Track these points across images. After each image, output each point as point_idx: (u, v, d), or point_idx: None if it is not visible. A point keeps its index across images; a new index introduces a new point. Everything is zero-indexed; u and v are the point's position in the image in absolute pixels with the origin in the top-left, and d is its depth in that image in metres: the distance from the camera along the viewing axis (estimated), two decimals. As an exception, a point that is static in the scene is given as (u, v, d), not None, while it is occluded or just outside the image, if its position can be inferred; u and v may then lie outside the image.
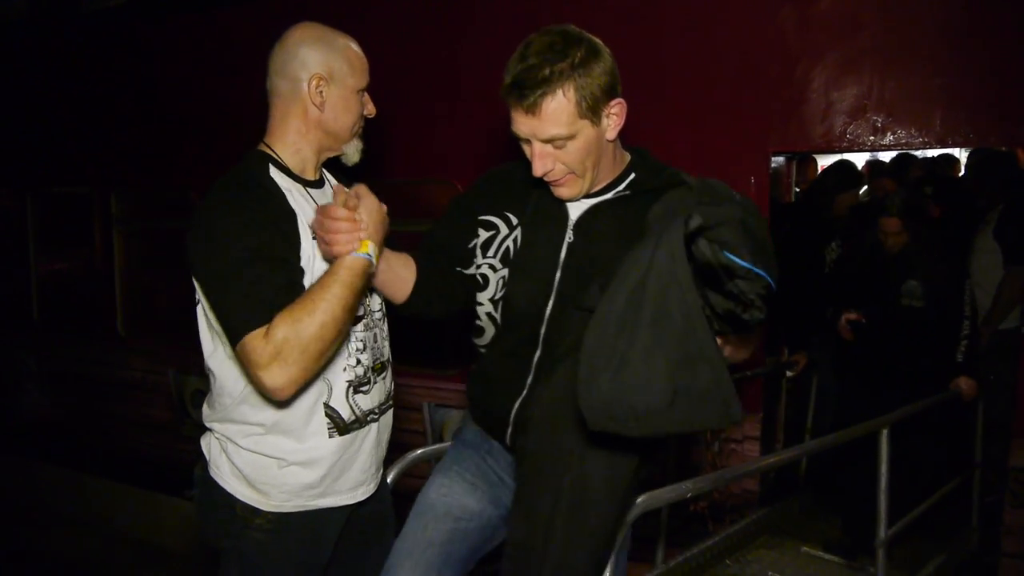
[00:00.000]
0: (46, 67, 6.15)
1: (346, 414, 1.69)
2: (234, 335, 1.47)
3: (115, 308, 5.79)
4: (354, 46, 1.72)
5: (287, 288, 1.49)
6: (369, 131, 1.80)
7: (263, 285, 1.46)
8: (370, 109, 1.76)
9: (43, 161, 6.27)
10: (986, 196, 3.98)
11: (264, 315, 1.44)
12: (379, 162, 4.55)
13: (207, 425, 1.73)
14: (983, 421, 3.74)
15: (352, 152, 1.76)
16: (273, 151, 1.68)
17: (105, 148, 5.83)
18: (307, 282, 1.56)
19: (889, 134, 3.52)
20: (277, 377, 1.43)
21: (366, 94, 1.75)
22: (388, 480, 2.00)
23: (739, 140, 3.73)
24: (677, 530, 3.73)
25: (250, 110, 2.06)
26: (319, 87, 1.64)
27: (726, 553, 3.51)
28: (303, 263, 1.57)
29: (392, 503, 1.97)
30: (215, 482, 1.69)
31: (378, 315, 1.81)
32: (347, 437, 1.70)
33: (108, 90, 5.74)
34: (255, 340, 1.44)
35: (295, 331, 1.43)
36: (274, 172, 1.64)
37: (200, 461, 1.74)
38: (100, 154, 5.87)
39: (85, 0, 5.84)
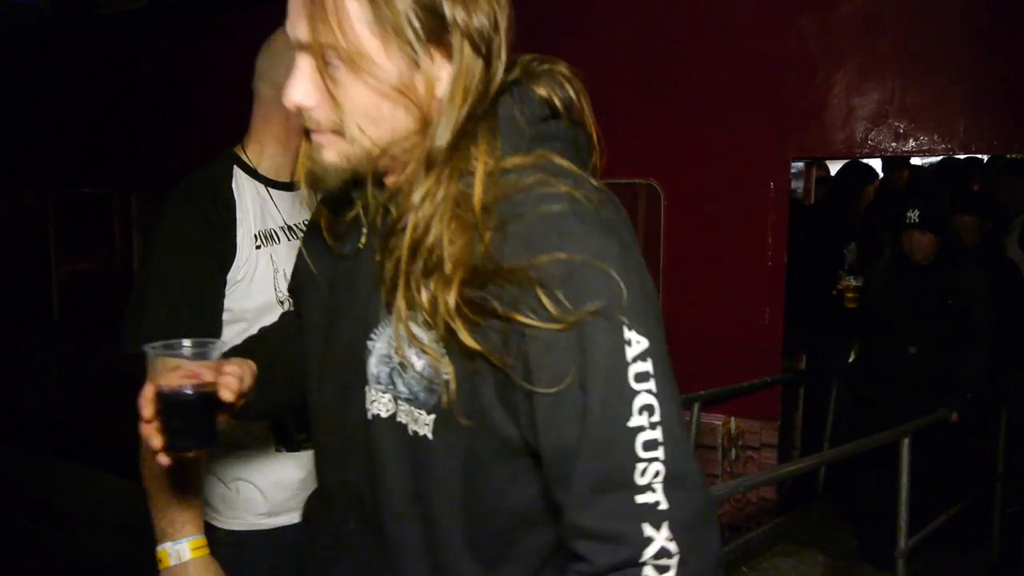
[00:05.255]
0: (67, 68, 6.21)
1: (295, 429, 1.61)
2: (127, 342, 1.44)
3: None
4: None
5: (192, 316, 1.46)
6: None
7: (173, 312, 1.43)
8: None
9: (65, 162, 6.33)
10: (1012, 203, 3.93)
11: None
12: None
13: None
14: (1006, 431, 3.69)
15: None
16: (245, 153, 1.63)
17: (126, 149, 5.88)
18: (245, 290, 1.52)
19: (911, 140, 3.48)
20: None
21: None
22: None
23: (758, 146, 3.71)
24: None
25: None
26: None
27: (742, 561, 3.48)
28: (234, 274, 1.51)
29: None
30: None
31: None
32: (298, 454, 1.62)
33: (130, 91, 5.80)
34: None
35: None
36: (238, 174, 1.59)
37: None
38: (121, 155, 5.92)
39: (104, 2, 5.90)
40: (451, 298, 0.83)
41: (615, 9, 3.93)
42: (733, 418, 3.79)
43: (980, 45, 3.36)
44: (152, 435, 1.00)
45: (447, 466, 0.92)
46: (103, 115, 5.98)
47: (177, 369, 0.99)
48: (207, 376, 0.99)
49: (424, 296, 0.85)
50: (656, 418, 0.82)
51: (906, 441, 2.73)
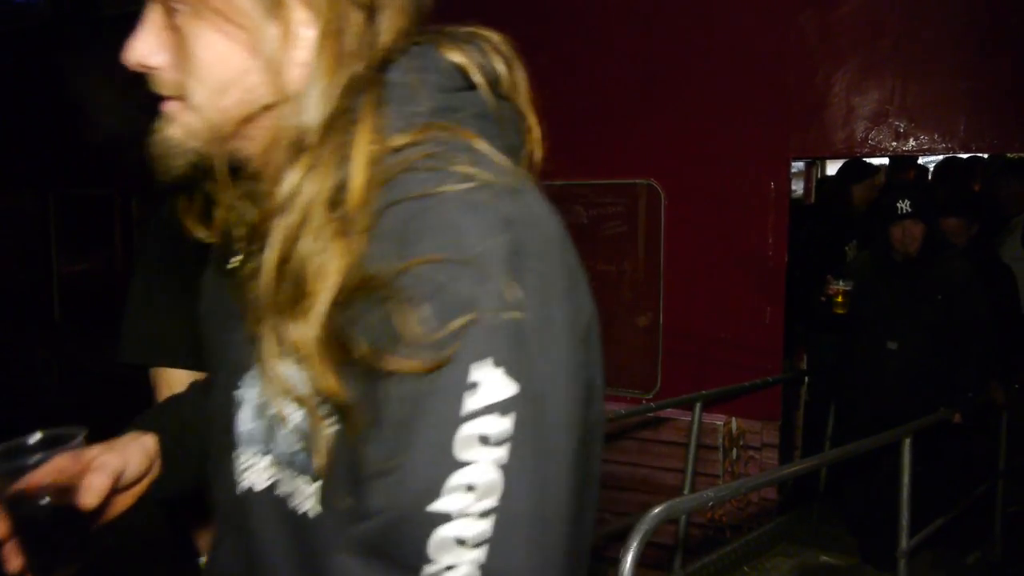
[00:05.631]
0: (67, 69, 6.21)
1: None
2: (121, 351, 1.41)
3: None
4: None
5: (188, 324, 1.39)
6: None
7: (166, 321, 1.37)
8: None
9: (65, 162, 6.33)
10: (1013, 203, 3.93)
11: (158, 354, 1.39)
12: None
13: None
14: (1008, 430, 3.69)
15: None
16: None
17: (127, 150, 5.88)
18: None
19: (911, 139, 3.48)
20: None
21: None
22: None
23: (758, 146, 3.70)
24: (695, 537, 3.71)
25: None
26: None
27: (744, 561, 3.48)
28: None
29: None
30: None
31: None
32: None
33: (130, 91, 5.79)
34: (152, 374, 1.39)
35: None
36: None
37: None
38: (122, 156, 5.92)
39: (105, 3, 5.91)
40: (312, 329, 0.59)
41: (616, 9, 3.93)
42: (734, 418, 3.79)
43: (980, 45, 3.36)
44: (10, 558, 0.76)
45: (341, 552, 0.62)
46: (104, 116, 5.98)
47: (35, 475, 0.76)
48: (68, 475, 0.77)
49: (292, 328, 0.61)
50: (489, 504, 0.55)
51: (907, 441, 2.73)
